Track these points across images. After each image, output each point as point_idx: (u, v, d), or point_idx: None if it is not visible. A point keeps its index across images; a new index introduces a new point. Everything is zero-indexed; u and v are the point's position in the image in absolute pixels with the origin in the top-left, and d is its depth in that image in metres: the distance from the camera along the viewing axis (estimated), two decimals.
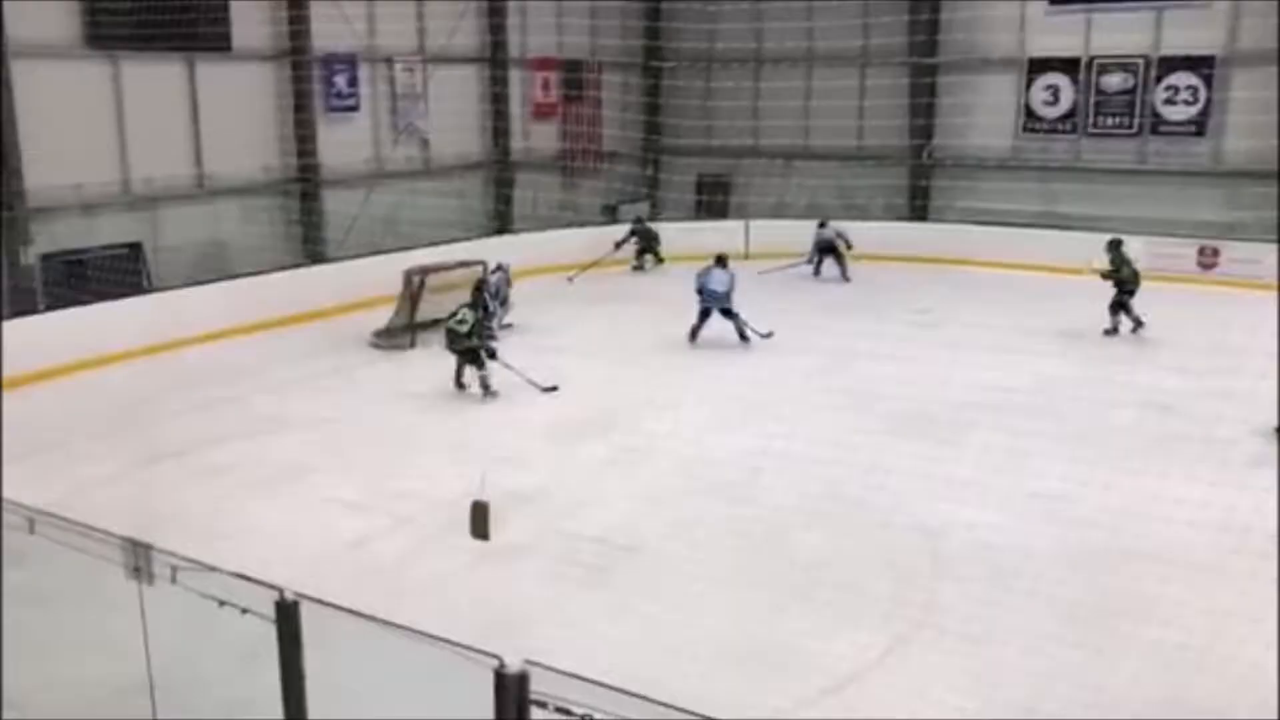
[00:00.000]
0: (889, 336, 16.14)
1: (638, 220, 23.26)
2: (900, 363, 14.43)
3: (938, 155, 24.71)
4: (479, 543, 9.09)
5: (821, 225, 21.87)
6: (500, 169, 24.37)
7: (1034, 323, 17.02)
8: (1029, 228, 22.53)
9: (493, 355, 13.98)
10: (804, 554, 9.16)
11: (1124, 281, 16.55)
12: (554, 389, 13.97)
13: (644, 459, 10.87)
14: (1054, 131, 23.82)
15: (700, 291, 16.14)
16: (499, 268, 17.46)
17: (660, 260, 22.68)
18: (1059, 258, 21.11)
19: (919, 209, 24.67)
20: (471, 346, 13.87)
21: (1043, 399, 12.90)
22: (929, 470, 10.60)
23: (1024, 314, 17.49)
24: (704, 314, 16.15)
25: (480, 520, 9.07)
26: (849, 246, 21.62)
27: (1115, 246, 16.91)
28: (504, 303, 17.20)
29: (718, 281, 16.09)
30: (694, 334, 16.24)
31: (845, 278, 21.27)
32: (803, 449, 10.14)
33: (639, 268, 22.63)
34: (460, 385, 14.08)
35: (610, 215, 26.08)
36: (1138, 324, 16.58)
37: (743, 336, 16.08)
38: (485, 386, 13.82)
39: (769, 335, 16.12)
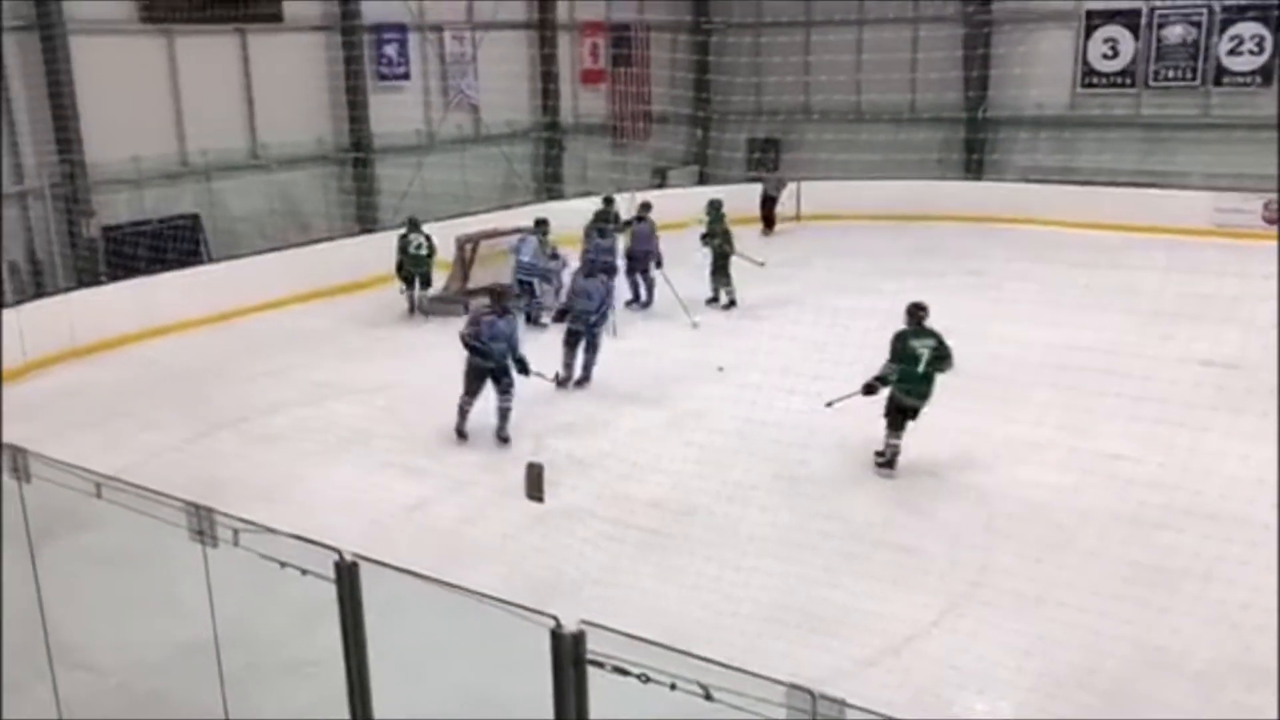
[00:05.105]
0: (944, 293, 15.97)
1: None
2: (957, 321, 14.27)
3: (993, 112, 24.30)
4: (536, 506, 9.18)
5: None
6: (549, 135, 24.34)
7: (1093, 281, 16.70)
8: (1088, 185, 22.13)
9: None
10: (859, 515, 9.14)
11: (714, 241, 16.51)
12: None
13: (699, 422, 10.87)
14: (1113, 86, 23.31)
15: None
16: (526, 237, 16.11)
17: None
18: (1119, 216, 20.73)
19: (974, 166, 24.27)
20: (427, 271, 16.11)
21: (1102, 358, 12.68)
22: (986, 430, 10.50)
23: (1083, 273, 17.16)
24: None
25: (535, 482, 9.14)
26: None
27: (715, 208, 16.79)
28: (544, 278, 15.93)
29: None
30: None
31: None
32: (857, 409, 10.08)
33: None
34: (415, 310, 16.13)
35: (660, 179, 25.94)
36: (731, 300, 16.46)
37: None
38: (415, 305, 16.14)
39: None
